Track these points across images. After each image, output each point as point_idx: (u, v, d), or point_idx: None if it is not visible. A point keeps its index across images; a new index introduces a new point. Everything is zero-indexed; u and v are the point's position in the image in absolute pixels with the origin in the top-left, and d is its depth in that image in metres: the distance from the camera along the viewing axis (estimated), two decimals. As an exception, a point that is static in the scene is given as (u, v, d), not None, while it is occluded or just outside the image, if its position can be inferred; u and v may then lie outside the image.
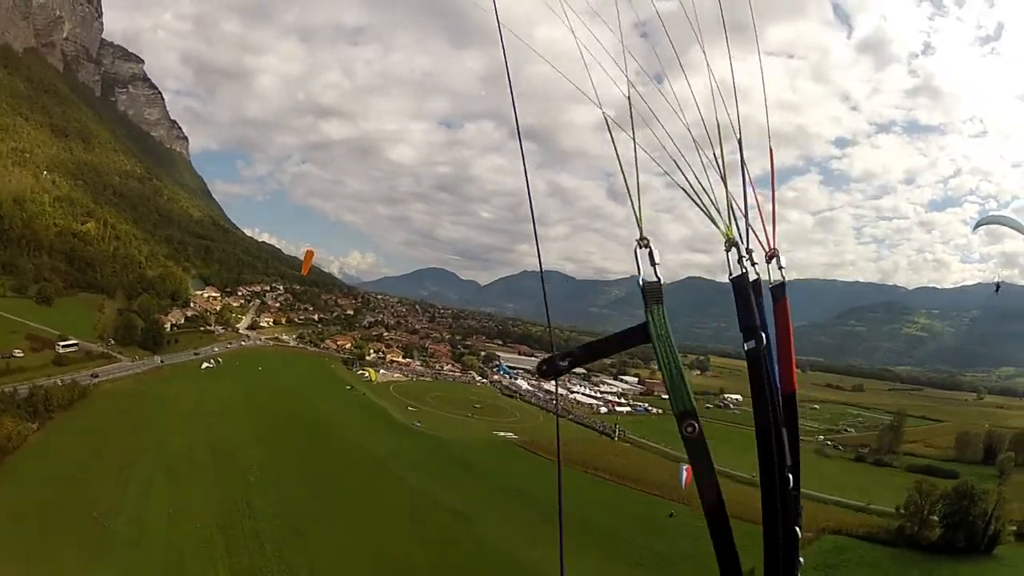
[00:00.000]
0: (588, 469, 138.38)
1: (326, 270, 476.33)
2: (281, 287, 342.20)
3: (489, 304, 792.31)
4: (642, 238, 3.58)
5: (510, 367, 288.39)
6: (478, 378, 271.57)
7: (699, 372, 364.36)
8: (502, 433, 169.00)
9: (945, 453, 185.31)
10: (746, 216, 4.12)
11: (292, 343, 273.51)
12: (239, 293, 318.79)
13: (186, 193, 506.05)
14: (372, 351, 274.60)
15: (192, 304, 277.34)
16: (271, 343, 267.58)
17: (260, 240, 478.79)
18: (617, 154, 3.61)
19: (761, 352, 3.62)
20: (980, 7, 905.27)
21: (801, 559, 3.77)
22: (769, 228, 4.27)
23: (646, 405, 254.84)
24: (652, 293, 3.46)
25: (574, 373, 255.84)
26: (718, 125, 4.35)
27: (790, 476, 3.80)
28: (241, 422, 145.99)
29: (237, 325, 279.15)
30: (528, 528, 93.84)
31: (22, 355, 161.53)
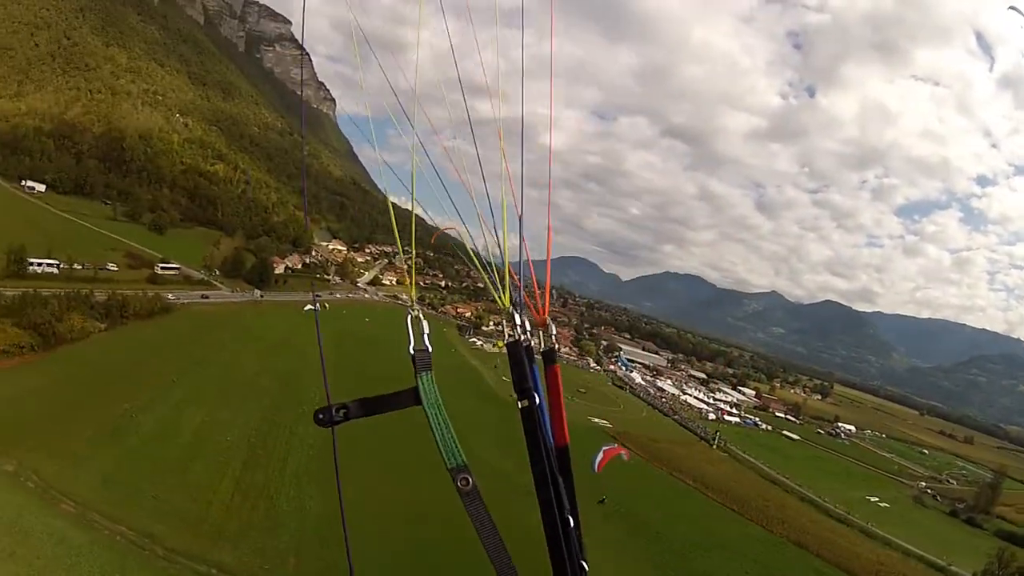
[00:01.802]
0: (673, 471, 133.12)
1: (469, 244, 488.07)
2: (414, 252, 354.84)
3: (627, 300, 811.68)
4: (412, 305, 3.85)
5: (629, 360, 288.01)
6: (593, 364, 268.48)
7: (819, 397, 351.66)
8: (596, 420, 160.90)
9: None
10: (522, 288, 4.32)
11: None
12: (367, 250, 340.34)
13: (329, 152, 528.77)
14: (492, 323, 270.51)
15: (314, 253, 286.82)
16: (388, 299, 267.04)
17: (405, 208, 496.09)
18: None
19: (535, 410, 3.93)
20: None
21: None
22: (543, 300, 4.43)
23: (756, 419, 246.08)
24: (422, 361, 3.75)
25: (693, 376, 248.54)
26: (488, 200, 4.53)
27: (570, 518, 3.95)
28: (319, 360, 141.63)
29: (357, 279, 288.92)
30: (588, 529, 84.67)
31: (115, 269, 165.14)
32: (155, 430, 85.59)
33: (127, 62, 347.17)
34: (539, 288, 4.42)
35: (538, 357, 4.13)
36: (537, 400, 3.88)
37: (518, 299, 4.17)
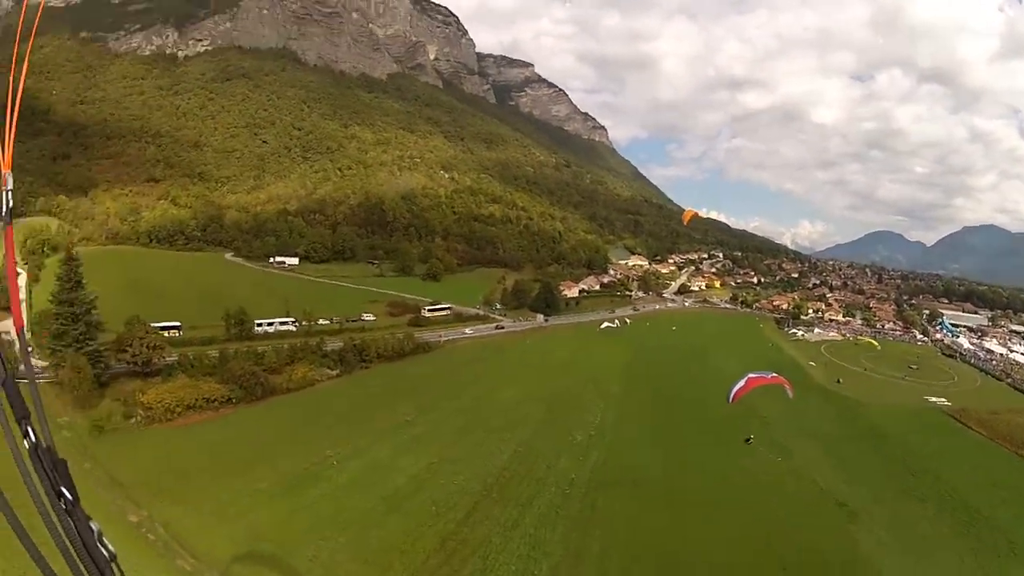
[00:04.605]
0: (1019, 448, 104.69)
1: (777, 241, 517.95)
2: (721, 254, 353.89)
3: (936, 266, 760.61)
4: None
5: (953, 324, 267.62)
6: (920, 336, 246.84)
7: None
8: (933, 399, 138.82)
9: None
10: None
11: (722, 304, 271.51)
12: (670, 260, 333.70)
13: (613, 176, 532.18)
14: (811, 310, 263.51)
15: (612, 271, 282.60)
16: (697, 305, 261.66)
17: (706, 217, 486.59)
18: None
19: None
20: None
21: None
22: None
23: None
24: None
25: (1014, 332, 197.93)
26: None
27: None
28: (607, 380, 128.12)
29: (663, 291, 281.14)
30: (922, 541, 67.74)
31: (372, 318, 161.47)
32: (355, 478, 73.25)
33: (373, 136, 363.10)
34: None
35: None
36: None
37: None
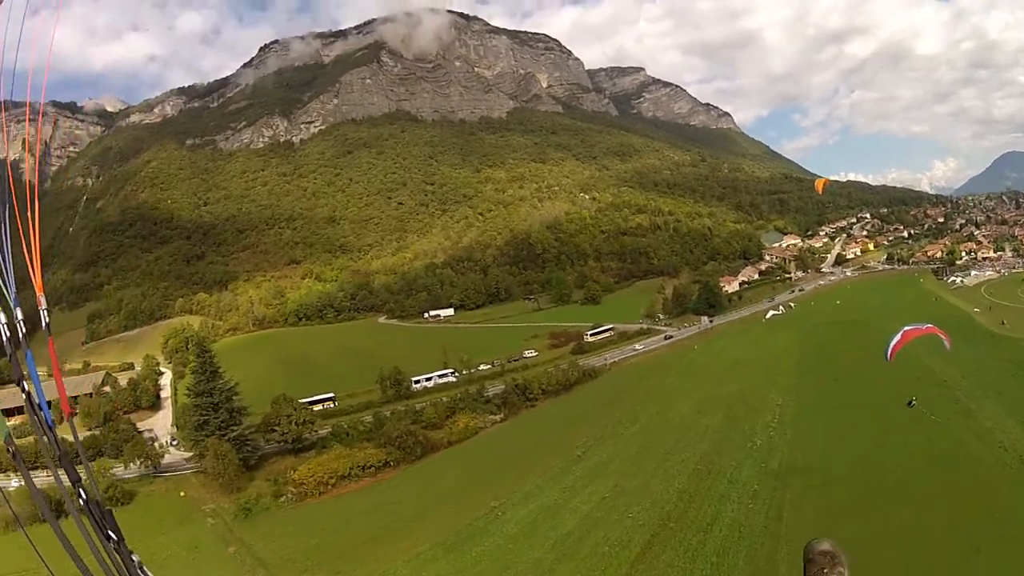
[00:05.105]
0: None
1: (916, 189, 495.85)
2: (868, 215, 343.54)
3: None
4: None
5: None
6: None
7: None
8: None
9: None
10: None
11: (880, 267, 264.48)
12: (821, 233, 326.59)
13: (749, 160, 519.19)
14: (964, 253, 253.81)
15: (767, 257, 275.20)
16: (857, 273, 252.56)
17: (844, 180, 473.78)
18: None
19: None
20: None
21: None
22: None
23: None
24: None
25: None
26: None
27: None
28: (780, 372, 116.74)
29: (820, 265, 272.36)
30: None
31: (534, 354, 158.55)
32: (523, 527, 67.24)
33: (506, 174, 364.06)
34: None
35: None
36: None
37: None
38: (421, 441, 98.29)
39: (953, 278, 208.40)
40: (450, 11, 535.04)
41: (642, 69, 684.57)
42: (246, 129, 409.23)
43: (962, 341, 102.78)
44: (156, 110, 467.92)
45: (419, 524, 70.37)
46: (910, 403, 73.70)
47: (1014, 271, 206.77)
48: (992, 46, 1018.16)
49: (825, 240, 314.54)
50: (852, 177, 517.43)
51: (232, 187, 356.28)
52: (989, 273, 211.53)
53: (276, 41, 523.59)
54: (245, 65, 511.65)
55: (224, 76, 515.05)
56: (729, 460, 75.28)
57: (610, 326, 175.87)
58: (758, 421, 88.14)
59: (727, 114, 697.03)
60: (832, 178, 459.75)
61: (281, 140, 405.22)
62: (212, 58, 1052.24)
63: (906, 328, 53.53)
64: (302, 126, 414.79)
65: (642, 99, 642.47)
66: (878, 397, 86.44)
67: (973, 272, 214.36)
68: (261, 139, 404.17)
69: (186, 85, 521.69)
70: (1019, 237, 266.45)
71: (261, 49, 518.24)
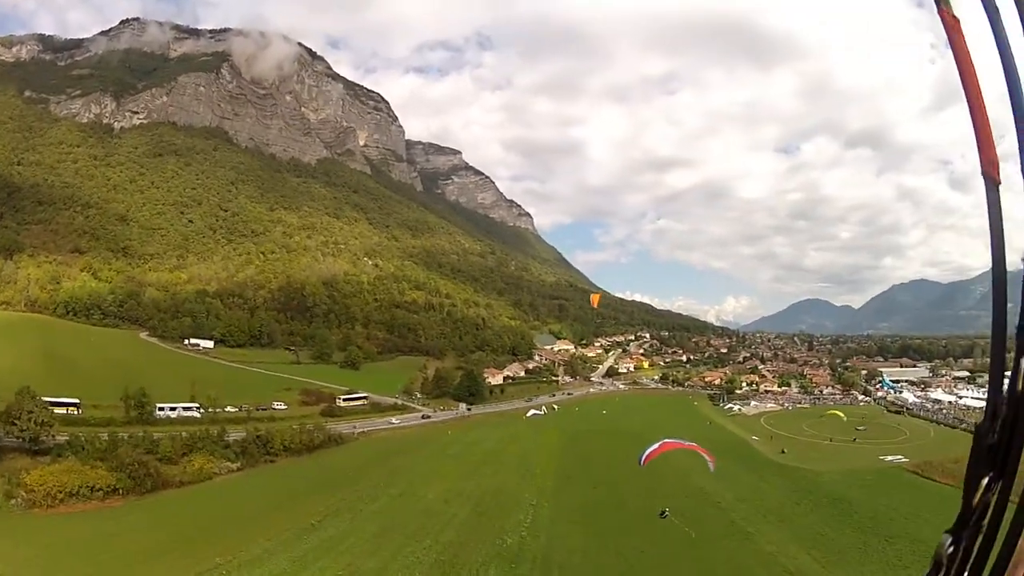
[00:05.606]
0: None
1: (701, 319, 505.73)
2: (647, 335, 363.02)
3: (866, 326, 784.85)
4: None
5: (893, 380, 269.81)
6: (861, 397, 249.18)
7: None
8: (888, 458, 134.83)
9: None
10: None
11: (652, 385, 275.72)
12: (596, 344, 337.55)
13: (538, 263, 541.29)
14: (745, 383, 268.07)
15: (537, 357, 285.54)
16: (627, 387, 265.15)
17: (631, 300, 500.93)
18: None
19: None
20: None
21: None
22: None
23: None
24: None
25: (958, 378, 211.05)
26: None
27: None
28: (537, 472, 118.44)
29: (591, 374, 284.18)
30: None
31: (284, 407, 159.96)
32: None
33: (298, 220, 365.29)
34: None
35: None
36: None
37: None
38: (152, 475, 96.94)
39: (731, 405, 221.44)
40: (300, 44, 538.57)
41: (459, 152, 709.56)
42: (79, 99, 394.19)
43: (737, 466, 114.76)
44: (13, 49, 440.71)
45: (140, 570, 66.82)
46: (663, 513, 73.84)
47: (799, 406, 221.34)
48: (821, 200, 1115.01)
49: (599, 351, 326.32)
50: (638, 298, 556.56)
51: (47, 155, 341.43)
52: (771, 405, 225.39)
53: (137, 18, 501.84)
54: (102, 33, 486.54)
55: (80, 37, 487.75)
56: (475, 555, 71.67)
57: (365, 394, 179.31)
58: (509, 519, 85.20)
59: (528, 215, 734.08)
60: (617, 295, 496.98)
61: (104, 122, 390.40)
62: (80, 13, 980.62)
63: (665, 440, 58.73)
64: (127, 114, 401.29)
65: (450, 182, 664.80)
66: (642, 509, 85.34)
67: (753, 402, 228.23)
68: (87, 114, 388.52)
69: (47, 35, 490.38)
70: (808, 376, 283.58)
71: (122, 22, 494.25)
